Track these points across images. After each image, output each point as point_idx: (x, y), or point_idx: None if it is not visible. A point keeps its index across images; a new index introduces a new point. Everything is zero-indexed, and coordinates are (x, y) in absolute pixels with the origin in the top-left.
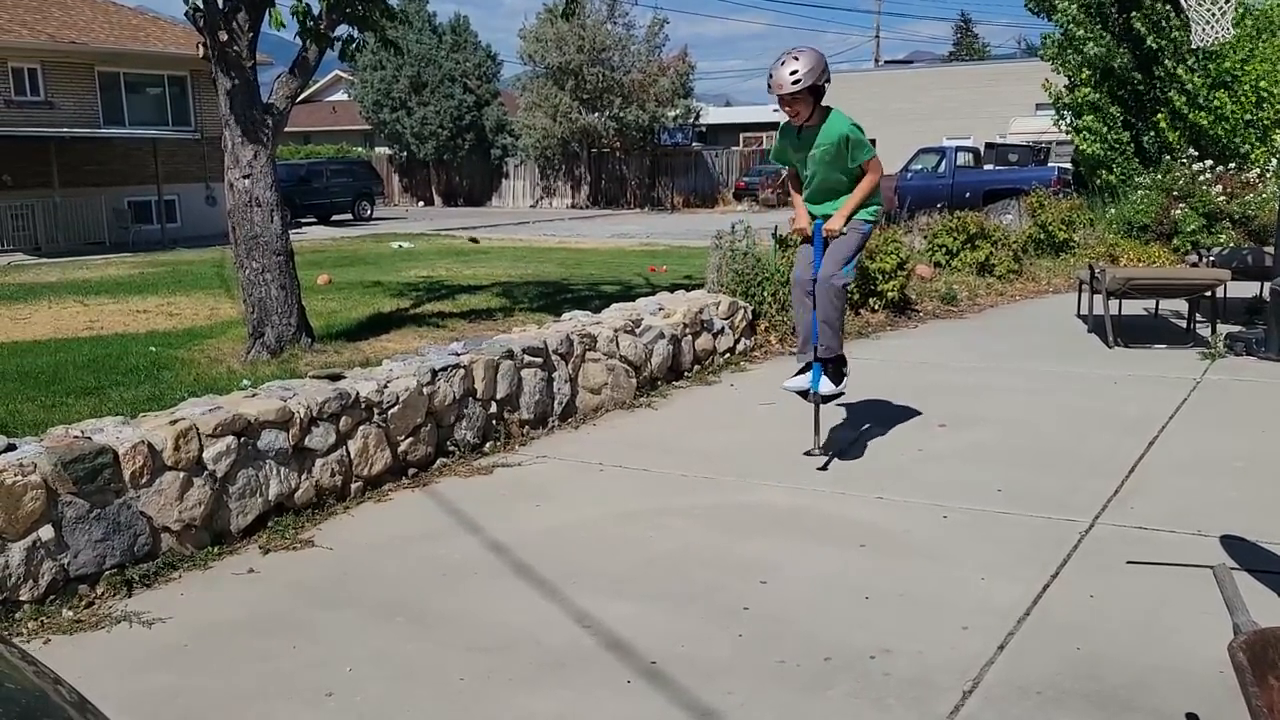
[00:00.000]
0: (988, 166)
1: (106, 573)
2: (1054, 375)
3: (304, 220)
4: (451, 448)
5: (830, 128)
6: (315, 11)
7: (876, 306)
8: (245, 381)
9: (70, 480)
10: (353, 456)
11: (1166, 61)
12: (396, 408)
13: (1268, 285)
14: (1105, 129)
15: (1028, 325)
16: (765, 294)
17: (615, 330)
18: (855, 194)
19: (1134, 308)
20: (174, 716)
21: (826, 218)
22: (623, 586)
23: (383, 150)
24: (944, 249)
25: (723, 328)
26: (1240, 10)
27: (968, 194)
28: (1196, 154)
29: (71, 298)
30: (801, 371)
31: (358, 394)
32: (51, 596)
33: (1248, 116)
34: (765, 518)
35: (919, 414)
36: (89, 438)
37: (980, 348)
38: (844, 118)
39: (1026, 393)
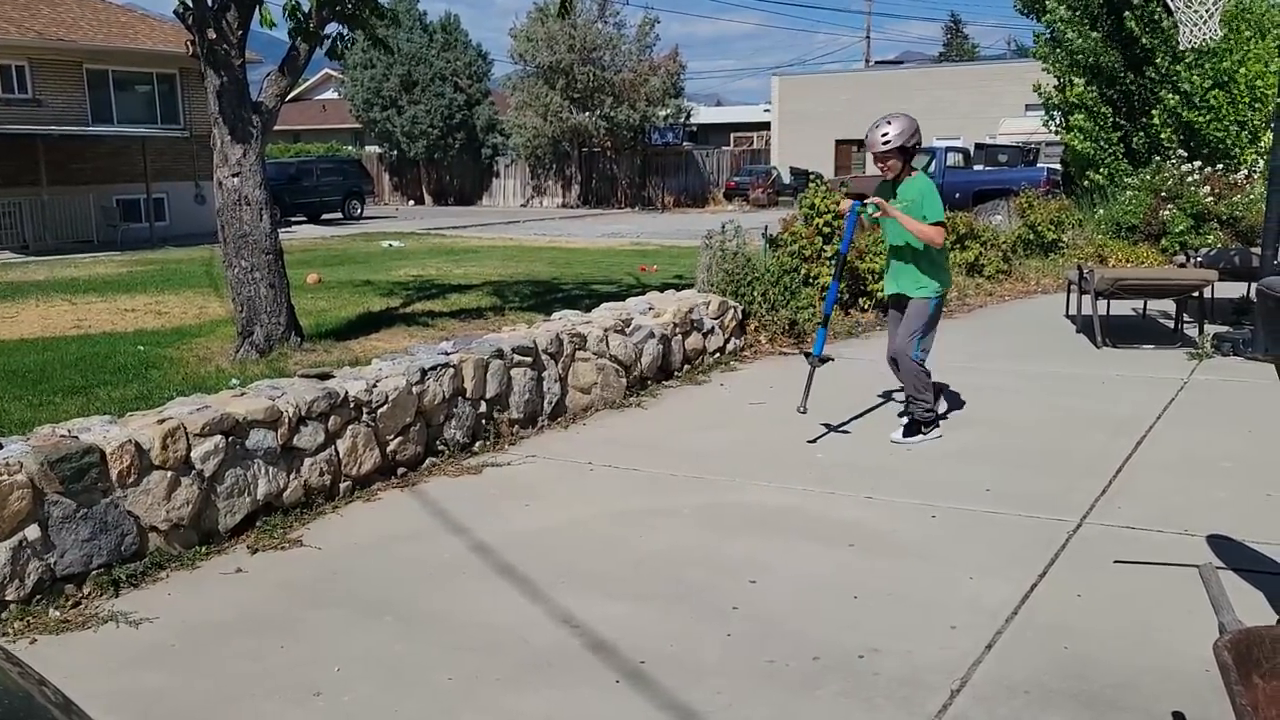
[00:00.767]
0: (977, 167)
1: (93, 572)
2: (1042, 375)
3: (294, 219)
4: (441, 447)
5: (912, 184)
6: (305, 9)
7: (866, 306)
8: (234, 380)
9: (57, 480)
10: (341, 456)
11: (1159, 60)
12: (385, 407)
13: (1254, 286)
14: (1096, 128)
15: (1016, 325)
16: (755, 294)
17: (605, 330)
18: (913, 222)
19: (1122, 308)
20: (161, 716)
21: (896, 295)
22: (611, 586)
23: (373, 149)
24: None
25: (713, 327)
26: (1236, 9)
27: (957, 194)
28: (1186, 155)
29: (59, 296)
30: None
31: (347, 393)
32: (38, 596)
33: (1241, 118)
34: (754, 517)
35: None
36: (76, 437)
37: (969, 348)
38: (927, 180)
39: (1015, 393)
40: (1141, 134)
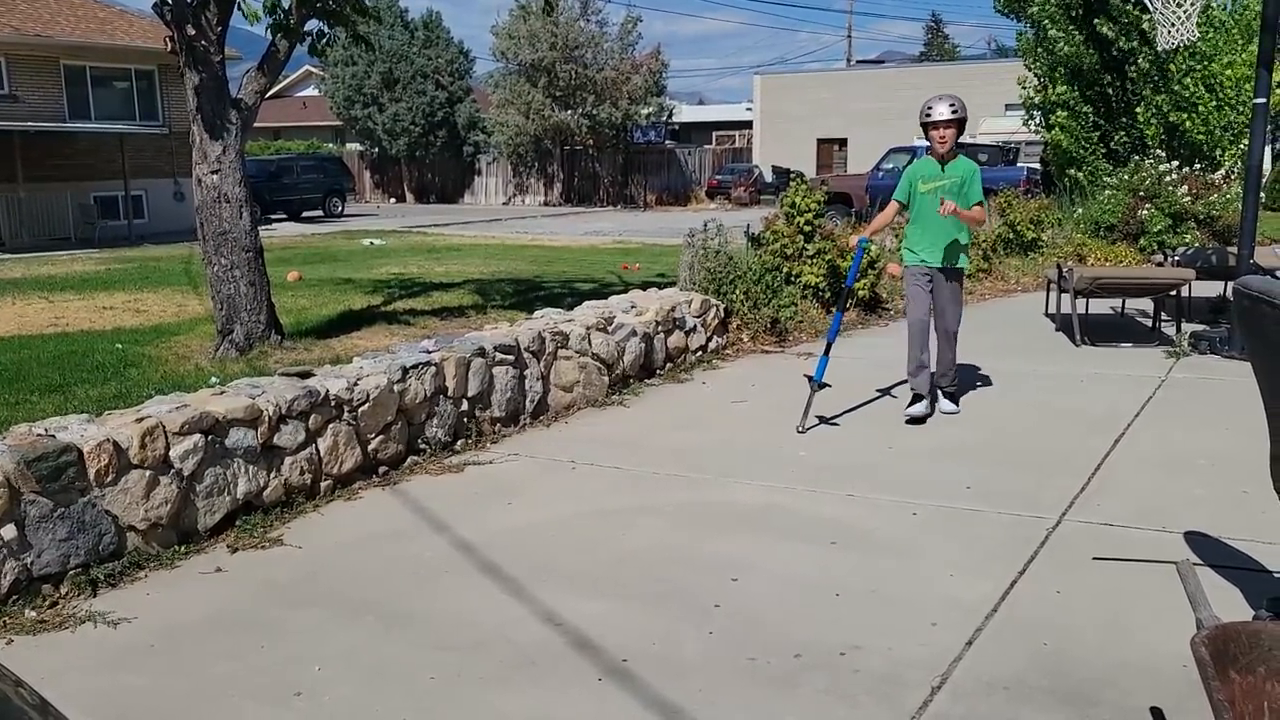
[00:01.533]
0: None
1: (71, 572)
2: (1022, 373)
3: (274, 217)
4: (423, 446)
5: (963, 162)
6: (285, 6)
7: (847, 305)
8: (213, 379)
9: (33, 479)
10: (322, 455)
11: (1141, 61)
12: (367, 405)
13: (1231, 285)
14: (1078, 126)
15: (996, 324)
16: (738, 292)
17: (588, 328)
18: (969, 211)
19: (1101, 307)
20: (140, 717)
21: (937, 259)
22: (594, 585)
23: (354, 146)
24: None
25: (695, 325)
26: (1223, 11)
27: None
28: (1165, 154)
29: (36, 294)
30: (915, 401)
31: (327, 392)
32: (14, 596)
33: (1225, 120)
34: (736, 516)
35: (889, 412)
36: (53, 436)
37: None
38: (972, 162)
39: (995, 390)
40: (1122, 133)
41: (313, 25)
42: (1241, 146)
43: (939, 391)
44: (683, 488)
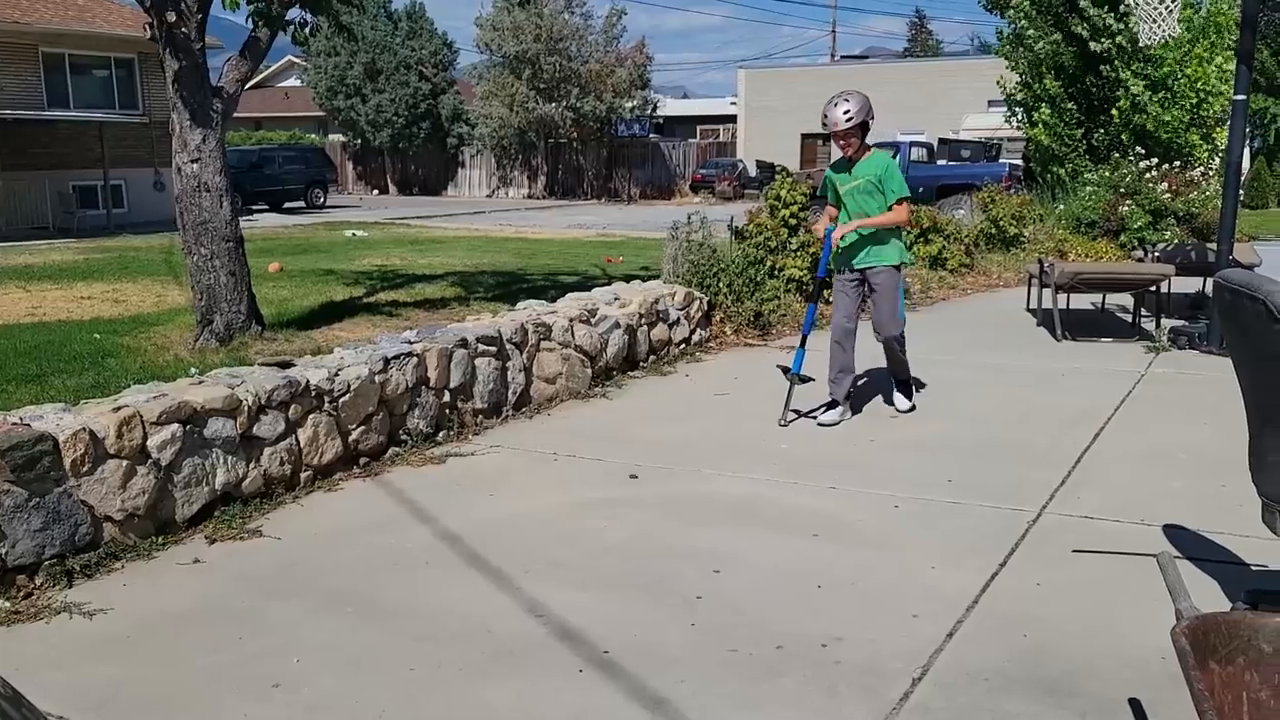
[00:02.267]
0: (941, 162)
1: (46, 563)
2: (1004, 367)
3: (255, 207)
4: (404, 437)
5: (872, 160)
6: None
7: (830, 298)
8: (193, 369)
9: (8, 468)
10: (302, 445)
11: (1117, 62)
12: (348, 396)
13: (1210, 280)
14: (1060, 124)
15: (979, 318)
16: (721, 285)
17: (571, 320)
18: (876, 217)
19: (1082, 302)
20: (117, 709)
21: (861, 260)
22: (576, 576)
23: (336, 137)
24: None
25: (678, 318)
26: (1185, 12)
27: (921, 189)
28: (1144, 152)
29: (13, 283)
30: (830, 407)
31: (308, 382)
32: None
33: (1187, 118)
34: (719, 507)
35: (871, 405)
36: (28, 425)
37: (932, 340)
38: (886, 156)
39: (976, 385)
40: (1101, 131)
41: (295, 14)
42: (1217, 142)
43: (893, 383)
44: (665, 480)
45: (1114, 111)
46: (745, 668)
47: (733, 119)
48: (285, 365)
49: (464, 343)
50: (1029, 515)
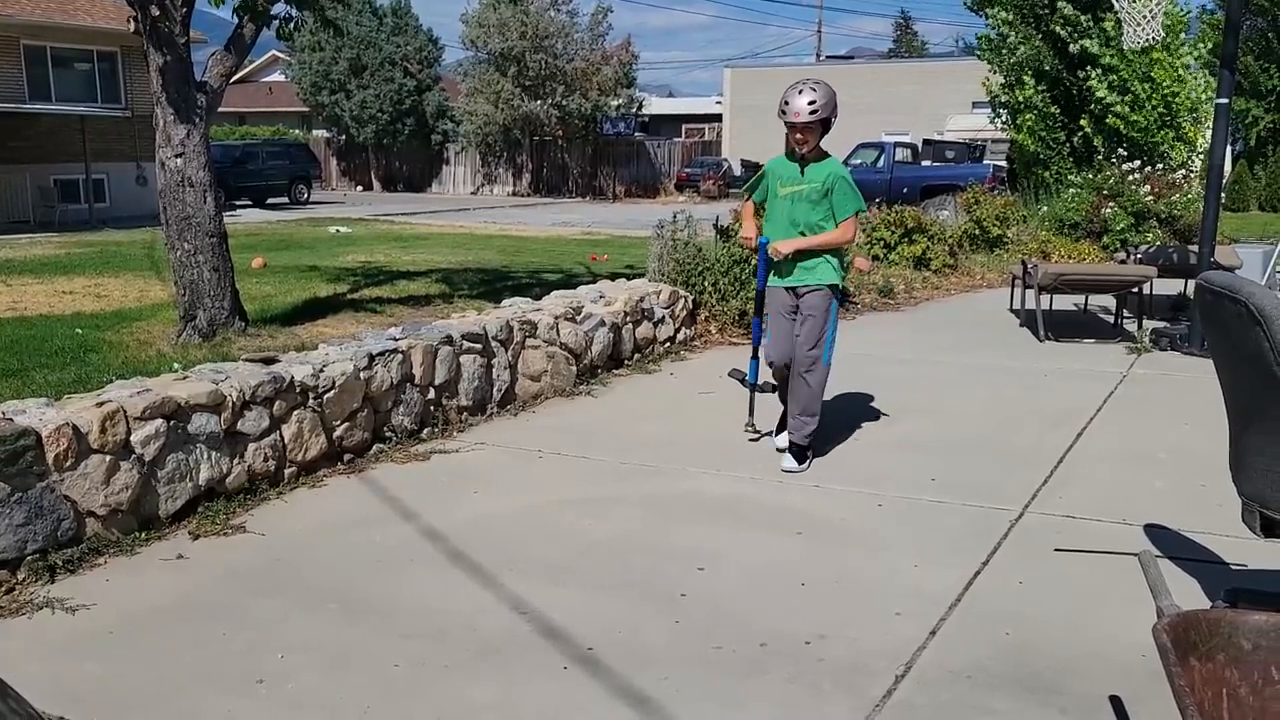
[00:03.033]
0: (925, 162)
1: (28, 558)
2: (987, 368)
3: (239, 203)
4: (389, 434)
5: (827, 165)
6: None
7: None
8: (176, 365)
9: None
10: (287, 441)
11: (1091, 67)
12: (332, 392)
13: (1192, 282)
14: (1044, 127)
15: (962, 319)
16: (706, 284)
17: (556, 317)
18: (821, 235)
19: (1064, 303)
20: (99, 705)
21: (791, 277)
22: (560, 573)
23: (320, 133)
24: (882, 242)
25: (663, 317)
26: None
27: (905, 189)
28: (1126, 154)
29: None
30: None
31: (292, 378)
32: None
33: (1155, 117)
34: (703, 506)
35: (855, 405)
36: (10, 419)
37: (916, 340)
38: (841, 165)
39: (959, 384)
40: (1082, 134)
41: (280, 9)
42: (1198, 146)
43: (786, 435)
44: (649, 478)
45: (1083, 117)
46: (729, 665)
47: (718, 118)
48: (270, 361)
49: (449, 340)
50: (1011, 514)
